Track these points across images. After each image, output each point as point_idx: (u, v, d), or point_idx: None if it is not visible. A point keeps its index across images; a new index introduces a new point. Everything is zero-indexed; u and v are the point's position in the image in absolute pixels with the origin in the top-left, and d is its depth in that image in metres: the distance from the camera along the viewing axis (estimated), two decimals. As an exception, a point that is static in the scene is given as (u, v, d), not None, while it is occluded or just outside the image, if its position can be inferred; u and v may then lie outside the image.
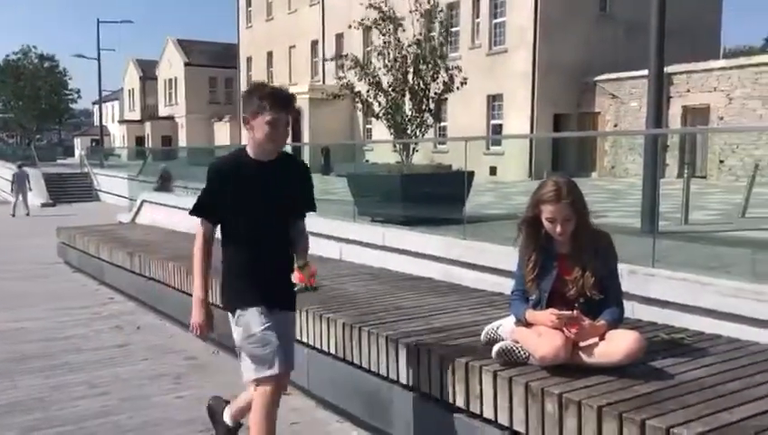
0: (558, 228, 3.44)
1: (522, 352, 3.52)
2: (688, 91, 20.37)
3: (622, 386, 3.17)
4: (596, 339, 3.39)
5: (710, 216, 10.03)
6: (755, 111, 18.59)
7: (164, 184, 21.82)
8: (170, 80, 52.89)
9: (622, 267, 4.66)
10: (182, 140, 49.20)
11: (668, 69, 18.55)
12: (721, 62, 20.78)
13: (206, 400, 4.42)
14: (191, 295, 7.25)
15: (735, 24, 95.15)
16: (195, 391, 5.53)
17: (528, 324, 3.56)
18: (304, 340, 5.17)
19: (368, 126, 29.30)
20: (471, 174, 9.04)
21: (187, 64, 50.21)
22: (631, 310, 4.70)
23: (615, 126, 22.51)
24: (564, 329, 3.35)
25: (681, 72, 20.20)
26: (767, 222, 8.90)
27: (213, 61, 50.60)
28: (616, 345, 3.33)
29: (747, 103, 18.81)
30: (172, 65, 52.15)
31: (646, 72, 8.73)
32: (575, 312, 3.37)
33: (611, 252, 3.61)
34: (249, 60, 41.98)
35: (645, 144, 8.99)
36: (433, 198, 8.67)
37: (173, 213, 12.98)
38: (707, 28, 25.73)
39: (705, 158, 19.67)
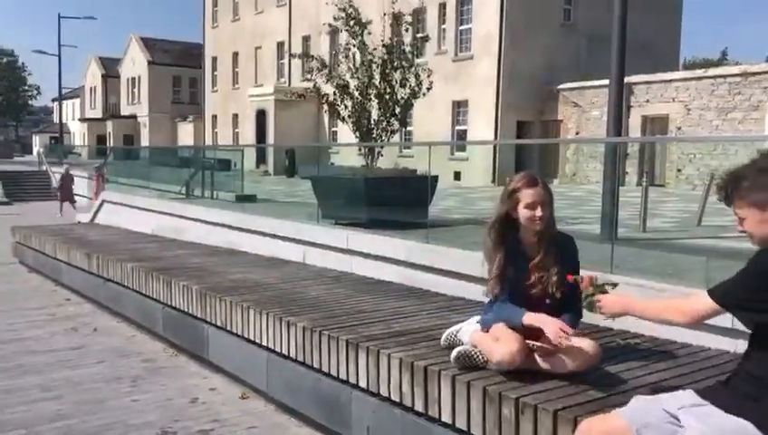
0: (538, 211, 3.46)
1: (480, 357, 3.55)
2: (648, 101, 20.80)
3: (577, 391, 3.22)
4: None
5: (667, 223, 10.24)
6: (712, 122, 19.06)
7: (61, 190, 21.45)
8: (133, 78, 52.06)
9: (582, 273, 4.74)
10: (145, 140, 48.44)
11: (629, 79, 18.90)
12: (679, 74, 21.27)
13: (163, 402, 4.36)
14: (150, 298, 7.22)
15: (694, 37, 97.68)
16: (152, 395, 5.45)
17: (525, 329, 3.45)
18: (264, 343, 5.14)
19: (333, 128, 29.24)
20: (435, 178, 9.07)
21: (150, 63, 49.46)
22: (590, 315, 4.77)
23: (577, 134, 22.86)
24: (529, 343, 3.37)
25: (641, 83, 20.61)
26: (722, 230, 9.12)
27: (177, 60, 49.93)
28: (572, 353, 3.37)
29: (704, 114, 19.28)
30: (135, 63, 51.33)
31: (607, 81, 8.89)
32: (549, 347, 3.36)
33: (575, 254, 3.66)
34: (214, 60, 41.53)
35: (605, 152, 9.14)
36: (397, 201, 8.68)
37: (134, 213, 12.79)
38: (667, 40, 26.31)
39: (663, 166, 20.08)
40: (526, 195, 3.48)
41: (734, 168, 2.49)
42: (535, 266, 3.51)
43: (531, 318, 3.43)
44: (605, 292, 2.99)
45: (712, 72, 20.27)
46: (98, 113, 58.09)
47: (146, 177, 16.36)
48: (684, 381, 3.35)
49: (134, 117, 51.30)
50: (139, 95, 51.27)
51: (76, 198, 22.80)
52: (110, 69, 56.79)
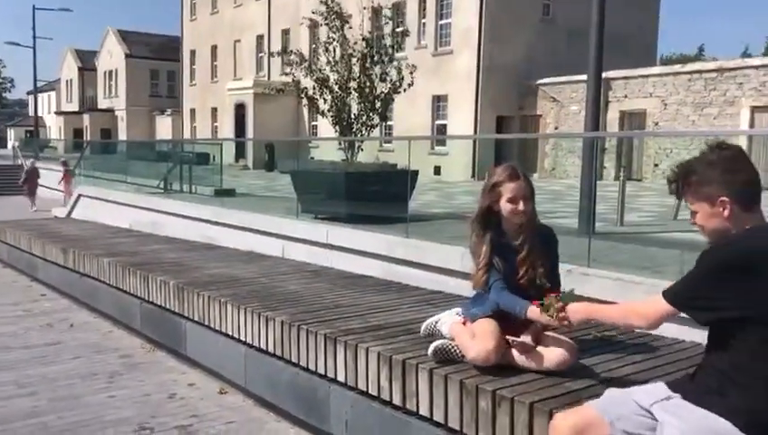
0: (520, 205, 3.47)
1: (457, 351, 3.56)
2: (626, 96, 20.98)
3: (553, 383, 3.24)
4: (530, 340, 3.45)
5: (644, 217, 10.34)
6: (688, 117, 19.28)
7: (27, 184, 21.07)
8: (110, 71, 51.42)
9: (560, 267, 4.78)
10: (122, 134, 47.92)
11: (607, 74, 19.05)
12: (657, 69, 21.48)
13: (140, 398, 4.32)
14: (127, 293, 7.16)
15: (672, 33, 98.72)
16: (129, 391, 5.41)
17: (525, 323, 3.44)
18: (242, 338, 5.12)
19: (313, 123, 29.13)
20: (415, 173, 9.08)
21: (128, 56, 48.87)
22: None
23: (556, 128, 23.00)
24: (511, 340, 3.39)
25: (619, 78, 20.78)
26: (697, 224, 9.25)
27: (155, 53, 49.40)
28: (549, 352, 3.38)
29: (681, 109, 19.50)
30: (112, 56, 50.70)
31: (586, 76, 8.95)
32: (530, 338, 3.40)
33: (556, 247, 3.69)
34: (193, 53, 41.16)
35: (583, 147, 9.22)
36: (377, 196, 8.68)
37: (111, 208, 12.66)
38: (645, 36, 26.55)
39: (640, 161, 20.28)
40: (508, 189, 3.49)
41: (685, 161, 2.50)
42: (522, 259, 3.51)
43: (533, 313, 3.27)
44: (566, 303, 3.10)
45: (688, 67, 20.49)
46: (74, 107, 57.33)
47: (123, 171, 16.18)
48: (658, 374, 3.39)
49: (111, 110, 50.71)
50: (116, 88, 50.68)
51: (51, 192, 22.49)
52: (86, 61, 56.03)
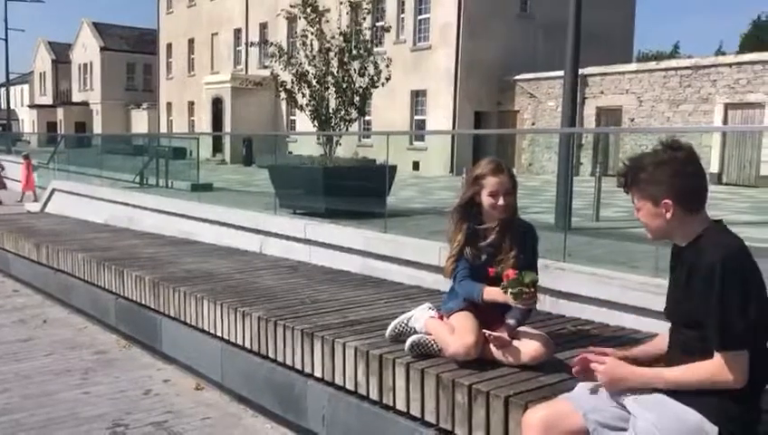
0: (500, 200, 3.48)
1: (434, 345, 3.57)
2: (602, 92, 21.17)
3: (529, 377, 3.27)
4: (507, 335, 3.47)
5: (619, 213, 10.43)
6: (664, 114, 19.51)
7: None
8: (85, 64, 50.73)
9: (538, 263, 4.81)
10: (98, 127, 47.33)
11: (584, 71, 19.23)
12: (633, 66, 21.68)
13: (115, 394, 4.28)
14: (102, 288, 7.07)
15: (648, 30, 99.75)
16: (103, 387, 5.35)
17: (475, 306, 3.50)
18: (219, 334, 5.10)
19: (291, 117, 28.99)
20: (393, 168, 9.09)
21: (103, 49, 48.27)
22: (544, 303, 4.85)
23: (533, 124, 23.15)
24: (487, 334, 3.41)
25: (596, 75, 20.96)
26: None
27: (131, 46, 48.87)
28: (527, 347, 3.41)
29: (656, 106, 19.72)
30: (87, 49, 50.01)
31: (562, 72, 9.02)
32: (506, 333, 3.42)
33: (535, 243, 3.71)
34: (169, 46, 40.74)
35: (559, 143, 9.28)
36: (355, 191, 8.68)
37: (86, 203, 12.50)
38: (622, 33, 26.79)
39: (616, 157, 20.48)
40: (491, 182, 3.50)
41: (636, 155, 2.49)
42: (494, 251, 3.55)
43: (490, 294, 3.41)
44: (525, 285, 3.21)
45: (664, 64, 20.73)
46: (48, 100, 56.53)
47: (99, 165, 16.00)
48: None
49: (86, 104, 50.06)
50: (91, 82, 50.02)
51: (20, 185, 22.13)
52: (60, 54, 55.26)
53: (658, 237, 2.49)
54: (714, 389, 2.30)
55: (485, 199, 3.52)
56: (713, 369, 2.30)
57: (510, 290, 3.26)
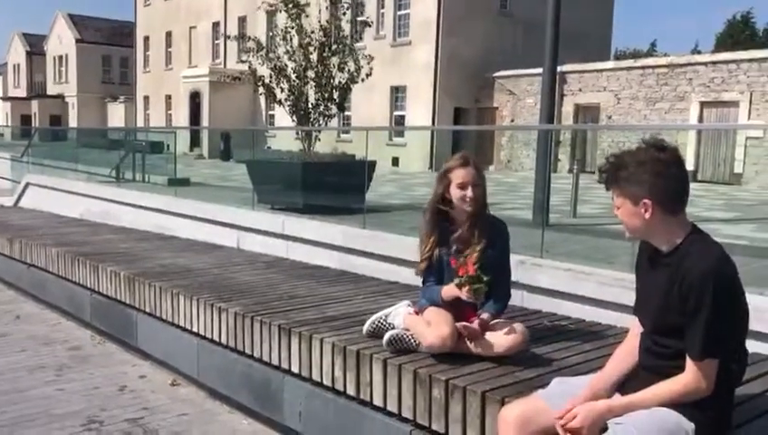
0: (469, 192, 3.52)
1: (412, 340, 3.58)
2: (580, 90, 21.34)
3: (505, 372, 3.28)
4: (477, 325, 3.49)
5: (596, 209, 10.52)
6: (640, 112, 19.73)
7: None
8: (60, 57, 49.98)
9: (513, 257, 4.83)
10: (73, 121, 46.69)
11: (562, 68, 19.37)
12: (610, 64, 21.90)
13: (89, 391, 4.22)
14: (76, 284, 6.97)
15: (626, 28, 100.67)
16: (78, 383, 5.28)
17: (442, 303, 3.57)
18: (195, 330, 5.05)
19: (270, 112, 28.85)
20: (372, 164, 9.08)
21: (78, 41, 47.59)
22: (520, 298, 4.88)
23: (511, 121, 23.27)
24: (458, 325, 3.44)
25: (574, 72, 21.12)
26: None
27: (107, 39, 48.23)
28: (500, 338, 3.44)
29: (633, 104, 19.93)
30: (62, 41, 49.28)
31: (541, 69, 9.06)
32: (477, 325, 3.45)
33: (507, 241, 3.73)
34: (146, 39, 40.30)
35: (537, 140, 9.34)
36: (334, 186, 8.66)
37: (61, 197, 12.33)
38: (600, 31, 27.02)
39: (594, 154, 20.67)
40: (458, 175, 3.54)
41: (619, 153, 2.46)
42: (460, 241, 3.58)
43: (447, 291, 3.54)
44: (477, 282, 3.32)
45: (641, 62, 20.95)
46: (22, 92, 55.60)
47: (74, 159, 15.76)
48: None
49: (61, 97, 49.34)
50: (66, 74, 49.31)
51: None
52: (34, 46, 54.36)
53: (636, 237, 2.48)
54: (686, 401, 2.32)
55: (455, 192, 3.56)
56: (689, 379, 2.31)
57: (471, 286, 3.36)
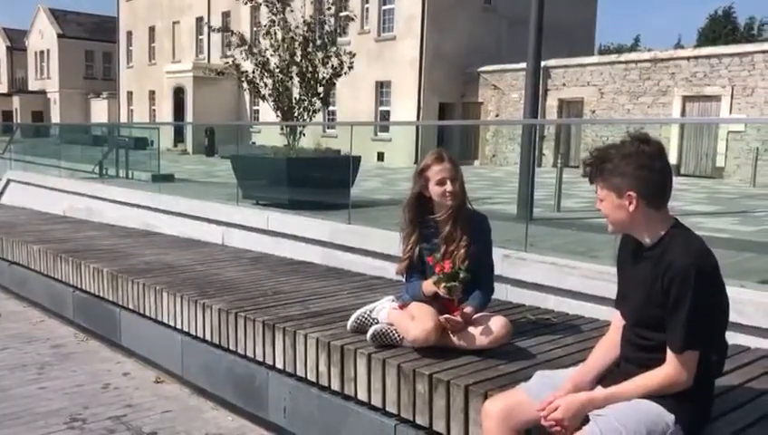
0: (448, 186, 3.53)
1: (396, 335, 3.58)
2: (564, 84, 21.42)
3: (488, 366, 3.30)
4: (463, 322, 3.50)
5: (580, 203, 10.59)
6: (624, 106, 19.84)
7: None
8: (42, 52, 49.42)
9: (497, 252, 4.85)
10: (55, 117, 46.22)
11: (547, 63, 19.45)
12: (594, 59, 22.01)
13: (72, 389, 4.19)
14: (59, 281, 6.91)
15: (610, 23, 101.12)
16: (60, 382, 5.24)
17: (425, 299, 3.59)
18: (179, 326, 5.03)
19: (255, 107, 28.73)
20: (357, 159, 9.05)
21: (60, 36, 47.07)
22: (505, 292, 4.90)
23: (496, 116, 23.32)
24: (440, 318, 3.45)
25: (558, 67, 21.20)
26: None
27: (90, 33, 47.74)
28: (483, 330, 3.45)
29: (617, 98, 20.04)
30: (44, 36, 48.72)
31: (525, 64, 9.08)
32: (459, 318, 3.46)
33: (489, 235, 3.74)
34: (129, 34, 39.93)
35: (522, 134, 9.37)
36: (319, 182, 8.64)
37: (44, 194, 12.22)
38: (584, 26, 27.12)
39: (578, 148, 20.78)
40: (435, 171, 3.55)
41: (603, 146, 2.47)
42: (443, 240, 3.59)
43: (426, 287, 3.56)
44: (454, 279, 3.36)
45: (624, 57, 21.05)
46: (3, 88, 54.90)
47: (57, 155, 15.60)
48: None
49: (43, 92, 48.82)
50: (48, 70, 48.78)
51: None
52: (15, 41, 53.69)
53: (619, 230, 2.49)
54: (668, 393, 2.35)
55: (434, 190, 3.57)
56: (669, 371, 2.34)
57: (444, 285, 3.40)
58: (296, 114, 10.34)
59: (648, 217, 2.39)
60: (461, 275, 3.41)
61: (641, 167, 2.34)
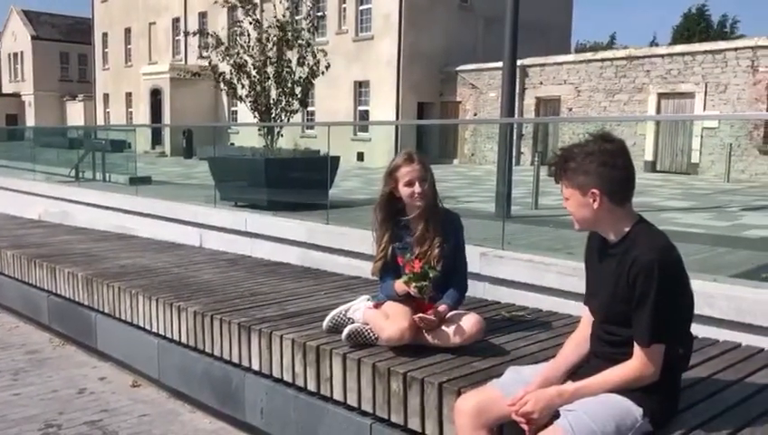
0: (417, 188, 3.54)
1: (371, 334, 3.59)
2: (541, 83, 21.55)
3: (462, 363, 3.32)
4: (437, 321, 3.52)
5: (558, 201, 10.66)
6: (600, 104, 20.00)
7: None
8: (15, 54, 48.75)
9: (475, 250, 4.88)
10: (30, 120, 45.62)
11: (523, 61, 19.56)
12: (570, 57, 22.15)
13: (47, 395, 4.15)
14: (34, 286, 6.83)
15: (586, 21, 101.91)
16: (35, 388, 5.19)
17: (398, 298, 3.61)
18: (155, 330, 5.00)
19: (233, 108, 28.58)
20: (336, 159, 9.05)
21: (34, 38, 46.47)
22: (483, 290, 4.93)
23: (474, 115, 23.40)
24: (414, 317, 3.46)
25: (535, 65, 21.32)
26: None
27: (64, 35, 47.19)
28: (457, 328, 3.48)
29: (593, 96, 20.20)
30: (17, 38, 48.07)
31: (502, 63, 9.13)
32: (433, 316, 3.48)
33: (461, 232, 3.76)
34: (105, 36, 39.51)
35: (499, 133, 9.42)
36: (298, 182, 8.63)
37: (18, 198, 12.09)
38: (560, 24, 27.31)
39: (555, 146, 20.91)
40: (404, 173, 3.57)
41: (567, 145, 2.51)
42: (416, 241, 3.61)
43: (398, 286, 3.58)
44: (424, 278, 3.40)
45: (600, 55, 21.22)
46: (-24, 91, 54.08)
47: (32, 159, 15.42)
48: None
49: (18, 95, 48.19)
50: (22, 72, 48.13)
51: None
52: (-12, 43, 52.85)
53: (584, 227, 2.53)
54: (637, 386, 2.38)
55: (403, 190, 3.59)
56: (636, 365, 2.37)
57: (414, 284, 3.43)
58: (274, 115, 10.31)
59: (612, 214, 2.43)
60: (431, 275, 3.44)
61: (604, 164, 2.37)
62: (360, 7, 24.94)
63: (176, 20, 33.50)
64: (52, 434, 4.35)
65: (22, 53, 47.85)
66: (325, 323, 3.92)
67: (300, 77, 10.24)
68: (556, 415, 2.40)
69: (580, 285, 4.36)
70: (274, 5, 10.29)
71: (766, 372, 3.21)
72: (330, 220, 6.83)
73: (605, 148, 2.39)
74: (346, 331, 3.63)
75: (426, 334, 3.49)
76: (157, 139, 29.70)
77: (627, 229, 2.44)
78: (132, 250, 7.41)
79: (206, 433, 4.43)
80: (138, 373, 5.31)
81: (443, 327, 3.49)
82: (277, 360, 3.93)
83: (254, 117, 10.62)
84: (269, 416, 4.03)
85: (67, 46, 47.28)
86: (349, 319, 3.83)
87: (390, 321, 3.49)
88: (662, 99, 18.80)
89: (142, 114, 33.08)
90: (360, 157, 23.03)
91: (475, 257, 4.82)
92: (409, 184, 3.55)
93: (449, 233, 3.64)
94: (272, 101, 10.24)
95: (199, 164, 18.20)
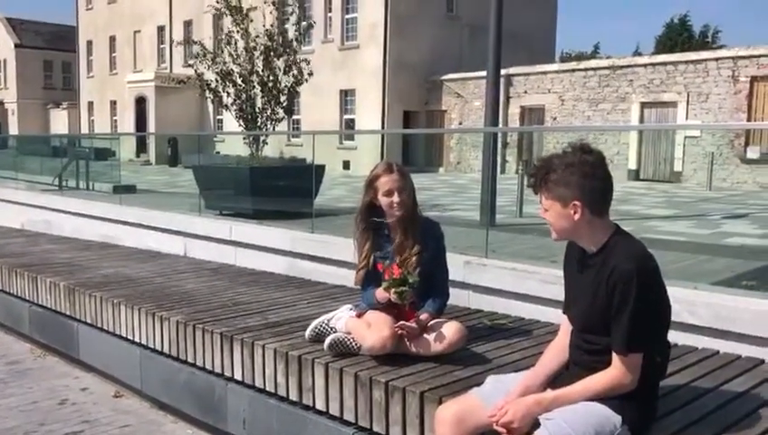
0: (395, 198, 3.57)
1: (353, 343, 3.60)
2: (526, 92, 21.69)
3: (444, 372, 3.33)
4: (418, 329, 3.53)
5: (541, 209, 10.76)
6: (584, 113, 20.16)
7: None
8: (-2, 62, 48.38)
9: (459, 258, 4.90)
10: (14, 128, 45.25)
11: (508, 71, 19.69)
12: (555, 66, 22.31)
13: (28, 406, 4.11)
14: (15, 296, 6.76)
15: (571, 31, 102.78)
16: (15, 399, 5.14)
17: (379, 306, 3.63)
18: (137, 340, 4.97)
19: (219, 117, 28.49)
20: (321, 168, 9.05)
21: (18, 46, 46.13)
22: (467, 298, 4.95)
23: (460, 124, 23.51)
24: (396, 325, 3.48)
25: (520, 75, 21.45)
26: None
27: (48, 43, 46.85)
28: (438, 336, 3.49)
29: (577, 105, 20.36)
30: (0, 46, 47.69)
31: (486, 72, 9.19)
32: (415, 324, 3.50)
33: (441, 241, 3.78)
34: (89, 44, 39.30)
35: (483, 142, 9.47)
36: (283, 191, 8.62)
37: (0, 207, 11.96)
38: (544, 33, 27.52)
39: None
40: (383, 182, 3.60)
41: (547, 156, 2.52)
42: (396, 249, 3.63)
43: (379, 294, 3.61)
44: (403, 284, 3.42)
45: (584, 64, 21.40)
46: (-42, 99, 53.58)
47: (14, 167, 15.30)
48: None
49: (1, 103, 47.77)
50: (5, 80, 47.74)
51: None
52: (-29, 51, 52.39)
53: (563, 237, 2.54)
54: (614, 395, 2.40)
55: (382, 200, 3.62)
56: (615, 373, 2.39)
57: (393, 290, 3.45)
58: (259, 123, 10.31)
59: (591, 225, 2.45)
60: (410, 280, 3.45)
61: (585, 176, 2.39)
62: (346, 16, 25.01)
63: (161, 28, 33.40)
64: (31, 446, 4.31)
65: (5, 60, 47.48)
66: (308, 333, 3.91)
67: (285, 85, 10.26)
68: (537, 424, 2.42)
69: (562, 293, 4.41)
70: (264, 15, 10.29)
71: (743, 378, 3.25)
72: (315, 229, 6.82)
73: (585, 159, 2.41)
74: (328, 340, 3.64)
75: (407, 343, 3.50)
76: (142, 147, 29.56)
77: (605, 239, 2.46)
78: (115, 259, 7.37)
79: (188, 444, 4.41)
80: (120, 384, 5.27)
81: (424, 335, 3.51)
82: (260, 369, 3.92)
83: (240, 125, 10.63)
84: (251, 426, 4.01)
85: (51, 54, 46.96)
86: (331, 328, 3.83)
87: (372, 330, 3.49)
88: (645, 108, 18.98)
89: (127, 122, 32.91)
90: (347, 165, 23.03)
91: (460, 266, 4.84)
92: (389, 193, 3.58)
93: (429, 241, 3.66)
94: (257, 110, 10.25)
95: (184, 172, 18.12)
